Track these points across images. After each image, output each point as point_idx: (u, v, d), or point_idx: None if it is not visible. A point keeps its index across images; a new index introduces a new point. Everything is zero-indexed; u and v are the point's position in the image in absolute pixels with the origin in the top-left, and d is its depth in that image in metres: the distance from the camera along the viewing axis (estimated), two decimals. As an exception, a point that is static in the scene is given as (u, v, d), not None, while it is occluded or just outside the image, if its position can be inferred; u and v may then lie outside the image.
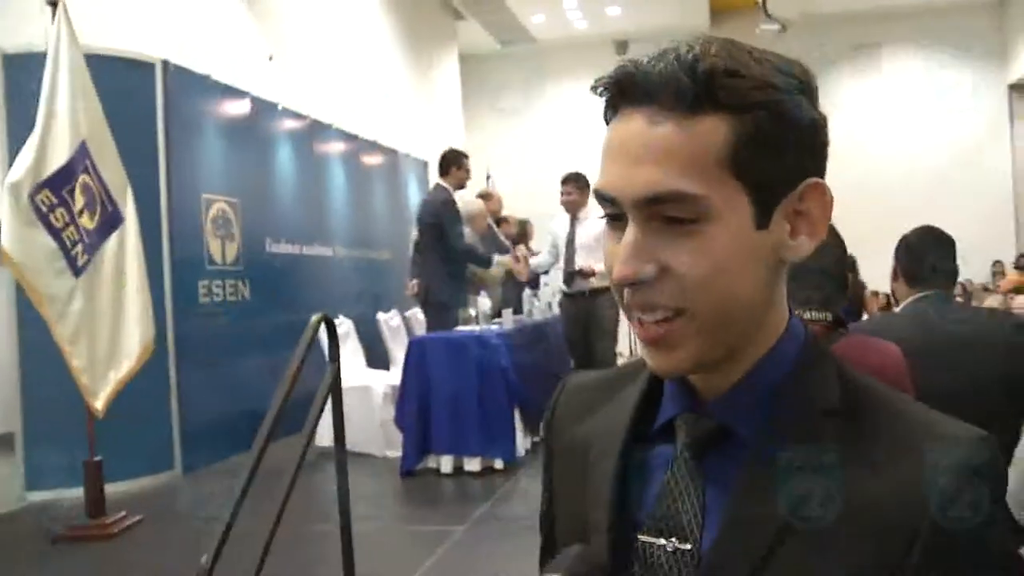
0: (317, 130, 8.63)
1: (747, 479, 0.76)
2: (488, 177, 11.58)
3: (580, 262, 6.56)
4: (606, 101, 0.79)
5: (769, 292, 0.79)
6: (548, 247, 7.01)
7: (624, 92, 0.76)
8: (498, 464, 5.80)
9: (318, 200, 8.57)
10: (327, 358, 5.81)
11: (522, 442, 6.08)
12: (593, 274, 6.45)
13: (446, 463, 5.83)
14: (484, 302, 6.56)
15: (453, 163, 6.82)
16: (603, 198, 0.77)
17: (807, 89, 0.77)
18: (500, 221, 8.71)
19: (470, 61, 15.06)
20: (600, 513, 0.83)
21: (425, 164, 11.30)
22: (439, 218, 6.62)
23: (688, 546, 0.78)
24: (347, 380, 4.98)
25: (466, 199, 7.68)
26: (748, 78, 0.73)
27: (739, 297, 0.75)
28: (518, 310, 7.35)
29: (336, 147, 9.09)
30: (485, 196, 8.24)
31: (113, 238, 4.90)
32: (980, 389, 1.72)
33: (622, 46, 16.06)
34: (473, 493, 5.45)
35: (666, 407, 0.84)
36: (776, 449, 0.76)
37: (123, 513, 4.88)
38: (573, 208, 6.69)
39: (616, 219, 0.78)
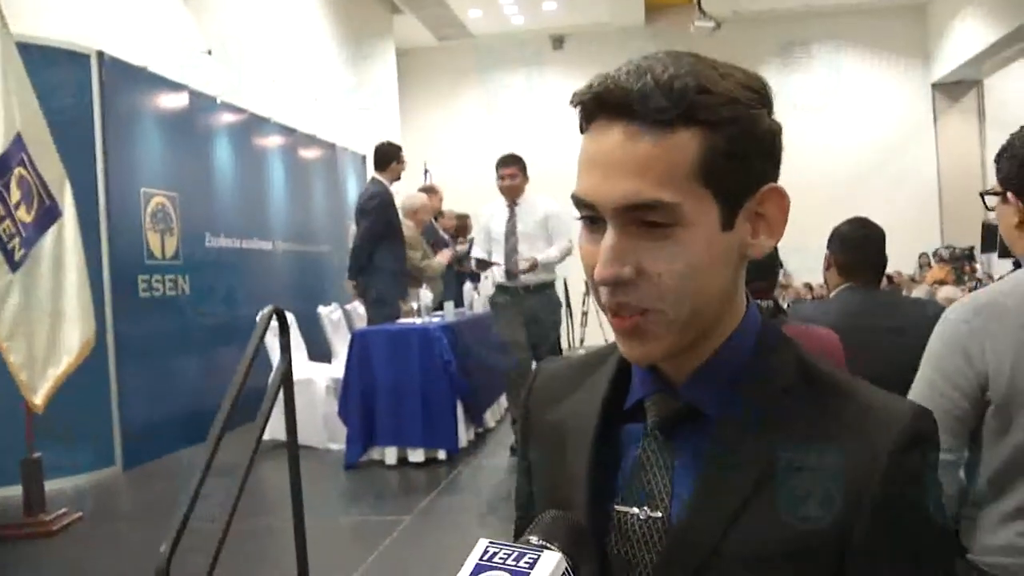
0: (255, 124, 8.56)
1: (713, 452, 0.85)
2: (426, 171, 11.59)
3: (524, 252, 5.95)
4: (581, 112, 0.85)
5: (733, 285, 0.87)
6: (480, 239, 6.27)
7: (603, 106, 0.82)
8: (441, 455, 5.85)
9: (257, 194, 8.51)
10: (268, 352, 5.86)
11: (465, 433, 6.14)
12: (535, 266, 5.87)
13: (390, 455, 5.86)
14: (426, 295, 6.59)
15: (393, 158, 6.79)
16: (582, 203, 0.84)
17: (766, 101, 0.85)
18: (438, 215, 8.75)
19: (407, 55, 15.02)
20: (578, 488, 0.91)
21: (363, 158, 11.27)
22: (364, 210, 6.58)
23: (659, 514, 0.87)
24: (291, 374, 4.98)
25: (409, 193, 7.70)
26: (717, 95, 0.80)
27: (708, 294, 0.83)
28: (459, 303, 7.40)
29: (274, 141, 9.04)
30: (429, 191, 8.26)
31: (51, 232, 4.83)
32: (906, 374, 1.82)
33: (558, 41, 16.16)
34: (417, 484, 5.49)
35: (635, 389, 0.92)
36: (739, 425, 0.84)
37: (63, 510, 4.82)
38: (513, 193, 6.04)
39: (592, 221, 0.84)
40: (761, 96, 0.84)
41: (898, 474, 0.79)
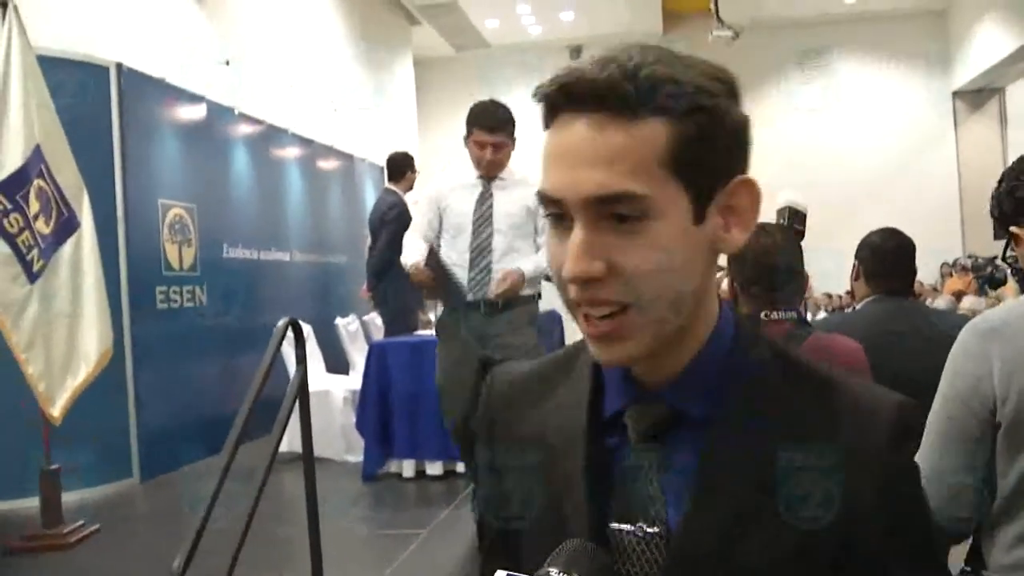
0: (273, 135, 8.58)
1: (706, 458, 0.82)
2: (444, 181, 11.57)
3: (499, 250, 4.04)
4: (545, 106, 0.82)
5: (706, 282, 0.84)
6: (423, 225, 4.26)
7: (569, 97, 0.79)
8: (460, 467, 5.81)
9: (275, 205, 8.52)
10: (286, 363, 5.85)
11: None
12: (521, 283, 4.00)
13: (408, 467, 5.82)
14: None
15: (407, 167, 6.80)
16: (548, 200, 0.81)
17: (733, 92, 0.82)
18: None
19: (424, 65, 15.06)
20: (574, 508, 0.87)
21: (381, 169, 11.26)
22: (384, 221, 6.49)
23: (656, 529, 0.83)
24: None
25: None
26: (685, 83, 0.78)
27: (682, 289, 0.80)
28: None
29: (292, 152, 9.05)
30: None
31: (69, 243, 4.83)
32: (933, 386, 1.78)
33: (576, 51, 16.15)
34: (435, 497, 5.45)
35: (612, 399, 0.88)
36: (730, 427, 0.82)
37: (81, 522, 4.81)
38: (495, 169, 4.10)
39: (559, 219, 0.81)
40: (729, 87, 0.82)
41: (895, 470, 0.80)
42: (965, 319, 2.91)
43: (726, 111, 0.80)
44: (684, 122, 0.77)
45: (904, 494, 0.81)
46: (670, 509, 0.83)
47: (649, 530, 0.83)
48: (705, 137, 0.78)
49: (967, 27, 14.81)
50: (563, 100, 0.80)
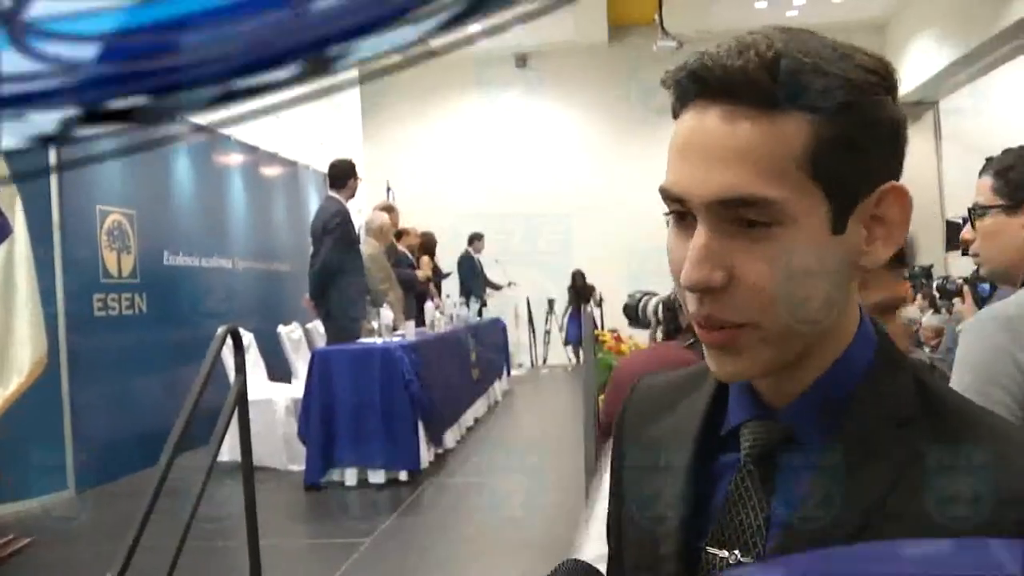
0: (216, 141, 8.47)
1: (810, 490, 0.74)
2: (388, 189, 11.57)
3: None
4: (675, 94, 0.76)
5: (842, 298, 0.75)
6: None
7: (701, 85, 0.72)
8: (403, 476, 5.78)
9: (217, 212, 8.41)
10: (227, 371, 5.77)
11: (426, 453, 6.08)
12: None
13: (350, 476, 5.78)
14: (386, 314, 6.53)
15: (350, 175, 6.74)
16: (670, 197, 0.74)
17: (890, 87, 0.74)
18: (400, 233, 8.71)
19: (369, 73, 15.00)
20: (669, 522, 0.82)
21: (325, 176, 11.20)
22: (326, 230, 6.43)
23: (749, 560, 0.76)
24: (249, 393, 4.90)
25: (373, 212, 7.66)
26: (833, 76, 0.70)
27: (810, 306, 0.72)
28: (420, 322, 7.35)
29: (235, 158, 8.94)
30: (387, 209, 8.21)
31: (1, 250, 4.73)
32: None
33: (521, 59, 16.21)
34: (378, 505, 5.41)
35: (733, 413, 0.81)
36: (843, 460, 0.73)
37: (11, 536, 4.69)
38: None
39: (682, 217, 0.75)
40: (884, 81, 0.73)
41: None
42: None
43: (880, 109, 0.72)
44: (829, 120, 0.70)
45: None
46: (770, 539, 0.75)
47: (743, 559, 0.76)
48: (852, 137, 0.70)
49: (905, 41, 15.15)
50: (694, 88, 0.73)
